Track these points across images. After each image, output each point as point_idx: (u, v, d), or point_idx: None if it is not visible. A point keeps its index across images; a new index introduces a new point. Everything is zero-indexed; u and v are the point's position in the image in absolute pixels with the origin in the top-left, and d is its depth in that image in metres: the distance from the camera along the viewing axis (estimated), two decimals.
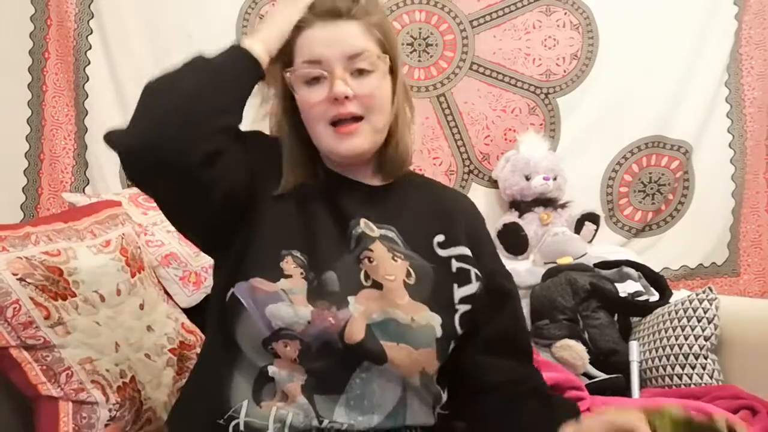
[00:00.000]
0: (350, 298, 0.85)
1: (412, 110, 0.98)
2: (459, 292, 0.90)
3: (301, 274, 0.85)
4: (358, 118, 0.88)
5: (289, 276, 0.84)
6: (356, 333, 0.82)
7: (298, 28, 0.89)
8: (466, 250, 0.93)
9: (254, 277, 0.84)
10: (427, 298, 0.87)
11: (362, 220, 0.90)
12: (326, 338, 0.82)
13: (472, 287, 0.91)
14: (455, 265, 0.92)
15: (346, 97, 0.87)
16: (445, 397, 0.93)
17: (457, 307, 0.90)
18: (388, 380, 0.84)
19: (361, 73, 0.88)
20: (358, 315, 0.84)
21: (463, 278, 0.91)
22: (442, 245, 0.93)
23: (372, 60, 0.88)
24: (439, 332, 0.86)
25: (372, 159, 0.95)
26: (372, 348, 0.83)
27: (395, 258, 0.89)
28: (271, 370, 0.82)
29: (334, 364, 0.83)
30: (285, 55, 0.91)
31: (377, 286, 0.87)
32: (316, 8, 0.89)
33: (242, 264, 0.86)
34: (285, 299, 0.83)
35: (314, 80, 0.88)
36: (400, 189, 0.97)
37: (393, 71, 0.92)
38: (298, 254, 0.86)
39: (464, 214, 0.99)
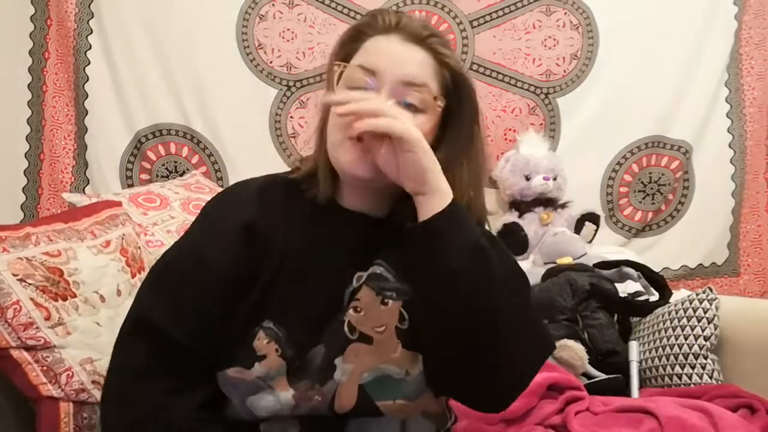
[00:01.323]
0: (337, 361, 0.78)
1: (477, 170, 0.83)
2: None
3: (277, 351, 0.77)
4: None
5: (263, 357, 0.77)
6: (346, 402, 0.78)
7: (371, 31, 0.81)
8: None
9: (230, 367, 0.78)
10: (422, 343, 0.80)
11: (356, 277, 0.82)
12: (316, 413, 0.78)
13: None
14: None
15: None
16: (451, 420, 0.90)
17: None
18: (386, 421, 0.80)
19: (408, 107, 0.77)
20: (346, 378, 0.78)
21: None
22: None
23: (425, 98, 0.78)
24: None
25: (387, 189, 0.82)
26: (366, 410, 0.78)
27: (385, 301, 0.80)
28: (263, 426, 0.79)
29: (327, 419, 0.78)
30: (345, 50, 0.83)
31: (366, 339, 0.79)
32: (400, 24, 0.81)
33: (222, 349, 0.79)
34: (264, 386, 0.77)
35: (359, 89, 0.78)
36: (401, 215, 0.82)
37: (450, 120, 0.82)
38: (270, 325, 0.78)
39: None
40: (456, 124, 0.83)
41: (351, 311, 0.80)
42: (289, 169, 0.88)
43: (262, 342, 0.77)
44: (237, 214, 0.81)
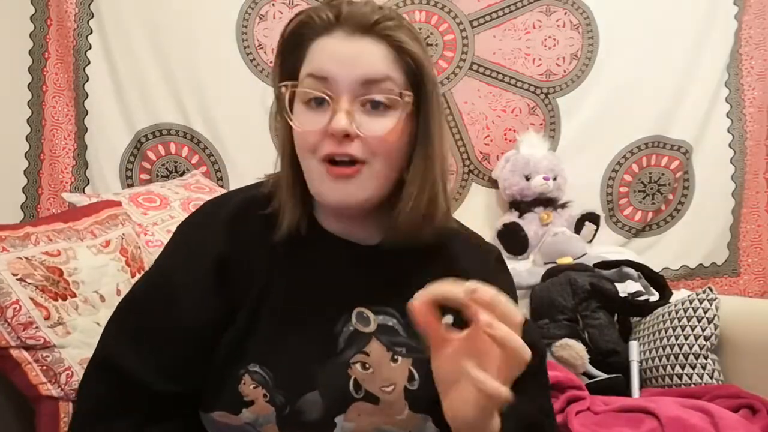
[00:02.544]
0: (338, 419, 0.72)
1: (443, 163, 0.74)
2: None
3: (265, 396, 0.70)
4: (358, 161, 0.69)
5: (251, 402, 0.70)
6: None
7: (311, 33, 0.71)
8: None
9: (214, 410, 0.72)
10: (431, 405, 0.71)
11: (355, 313, 0.74)
12: None
13: None
14: None
15: (347, 135, 0.67)
16: None
17: None
18: None
19: (375, 107, 0.69)
20: None
21: None
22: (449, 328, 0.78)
23: (392, 94, 0.69)
24: None
25: (372, 211, 0.75)
26: None
27: (395, 357, 0.74)
28: None
29: None
30: (288, 63, 0.73)
31: (372, 398, 0.73)
32: (341, 15, 0.70)
33: (205, 388, 0.74)
34: None
35: (316, 102, 0.69)
36: (404, 249, 0.75)
37: (420, 111, 0.72)
38: (256, 368, 0.71)
39: (489, 282, 0.77)
40: (423, 119, 0.72)
41: (358, 367, 0.73)
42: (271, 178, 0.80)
43: (248, 387, 0.71)
44: (208, 247, 0.74)
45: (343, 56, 0.68)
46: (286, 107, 0.71)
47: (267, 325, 0.73)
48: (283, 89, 0.71)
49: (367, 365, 0.73)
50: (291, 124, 0.70)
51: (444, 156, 0.74)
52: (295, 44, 0.73)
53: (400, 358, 0.74)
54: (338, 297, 0.75)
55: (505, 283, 0.82)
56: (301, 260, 0.75)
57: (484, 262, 0.83)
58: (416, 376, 0.74)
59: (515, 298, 0.85)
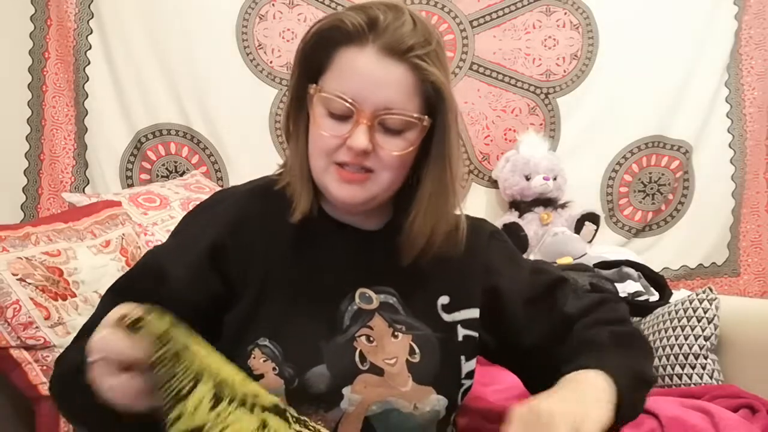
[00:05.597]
0: (345, 390, 0.75)
1: (453, 185, 0.79)
2: (466, 366, 0.82)
3: (274, 369, 0.74)
4: (367, 170, 0.75)
5: (261, 376, 0.74)
6: None
7: (341, 38, 0.73)
8: (474, 312, 0.83)
9: None
10: (433, 378, 0.79)
11: (358, 293, 0.79)
12: None
13: (473, 363, 0.83)
14: (461, 332, 0.82)
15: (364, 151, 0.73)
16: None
17: (463, 382, 0.82)
18: None
19: (393, 127, 0.74)
20: (353, 409, 0.75)
21: (470, 349, 0.83)
22: (446, 308, 0.82)
23: (411, 119, 0.74)
24: (443, 414, 0.79)
25: (378, 206, 0.80)
26: None
27: (396, 334, 0.79)
28: None
29: None
30: (315, 63, 0.76)
31: (376, 370, 0.77)
32: (373, 26, 0.72)
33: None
34: None
35: (339, 113, 0.74)
36: (400, 232, 0.80)
37: (436, 130, 0.76)
38: (266, 342, 0.75)
39: (480, 260, 0.85)
40: (439, 140, 0.77)
41: (363, 339, 0.77)
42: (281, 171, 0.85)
43: (258, 361, 0.74)
44: (207, 231, 0.78)
45: (372, 80, 0.72)
46: (313, 108, 0.76)
47: (275, 304, 0.77)
48: (311, 90, 0.75)
49: (371, 338, 0.78)
50: (318, 130, 0.75)
51: (457, 173, 0.79)
52: (320, 45, 0.75)
53: (400, 335, 0.79)
54: (342, 279, 0.79)
55: (500, 256, 0.88)
56: (307, 244, 0.80)
57: (476, 241, 0.87)
58: (417, 350, 0.79)
59: (519, 264, 0.89)
